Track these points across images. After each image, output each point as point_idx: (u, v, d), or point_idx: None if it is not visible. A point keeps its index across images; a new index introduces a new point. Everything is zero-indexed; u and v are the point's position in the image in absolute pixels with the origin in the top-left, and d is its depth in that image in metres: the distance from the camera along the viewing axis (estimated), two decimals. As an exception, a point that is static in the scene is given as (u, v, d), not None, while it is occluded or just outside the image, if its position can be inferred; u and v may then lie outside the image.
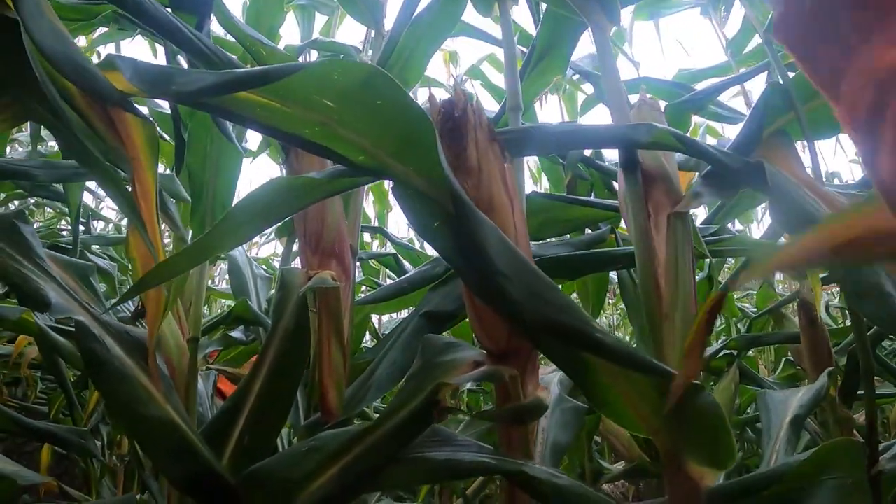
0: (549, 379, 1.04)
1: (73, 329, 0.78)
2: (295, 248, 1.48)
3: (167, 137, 1.46)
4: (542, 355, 0.71)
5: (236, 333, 1.77)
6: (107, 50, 2.01)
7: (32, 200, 2.80)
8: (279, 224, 1.57)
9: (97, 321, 0.82)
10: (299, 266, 1.00)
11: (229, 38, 1.28)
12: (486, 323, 0.60)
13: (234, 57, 0.94)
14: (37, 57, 0.63)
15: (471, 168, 0.59)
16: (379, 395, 0.89)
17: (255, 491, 0.70)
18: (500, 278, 0.50)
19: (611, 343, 0.52)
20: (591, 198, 1.28)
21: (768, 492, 0.63)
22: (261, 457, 0.74)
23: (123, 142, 0.75)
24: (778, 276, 2.35)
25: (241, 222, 0.73)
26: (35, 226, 2.92)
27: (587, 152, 1.36)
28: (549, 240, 1.30)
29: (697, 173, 0.83)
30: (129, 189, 0.76)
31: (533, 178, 2.78)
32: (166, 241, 1.42)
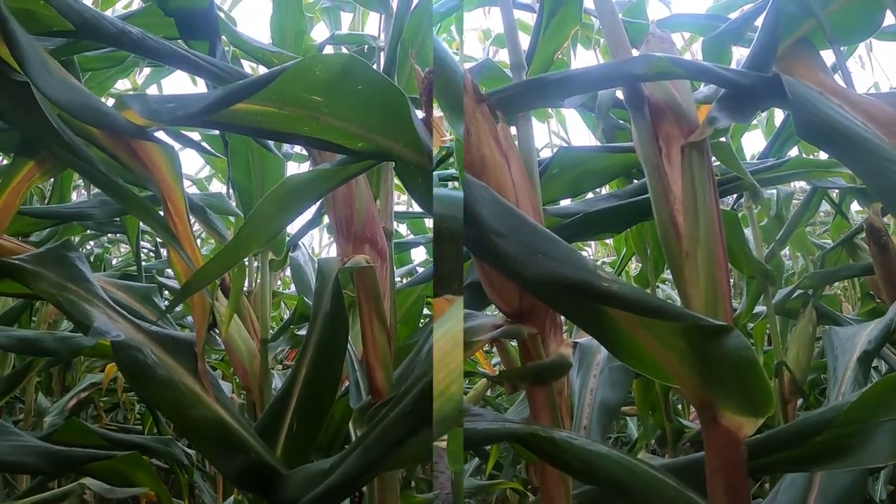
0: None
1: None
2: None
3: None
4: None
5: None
6: (154, 90, 2.12)
7: (106, 239, 2.95)
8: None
9: (143, 332, 0.85)
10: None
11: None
12: (496, 284, 0.59)
13: (248, 72, 0.96)
14: (50, 108, 0.67)
15: (459, 131, 0.58)
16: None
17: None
18: (493, 237, 0.49)
19: (620, 291, 0.50)
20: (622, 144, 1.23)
21: (820, 438, 0.58)
22: (310, 441, 0.75)
23: (149, 168, 0.78)
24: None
25: (267, 218, 0.76)
26: (113, 262, 3.08)
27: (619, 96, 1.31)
28: (595, 194, 1.26)
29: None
30: (162, 212, 0.79)
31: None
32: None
